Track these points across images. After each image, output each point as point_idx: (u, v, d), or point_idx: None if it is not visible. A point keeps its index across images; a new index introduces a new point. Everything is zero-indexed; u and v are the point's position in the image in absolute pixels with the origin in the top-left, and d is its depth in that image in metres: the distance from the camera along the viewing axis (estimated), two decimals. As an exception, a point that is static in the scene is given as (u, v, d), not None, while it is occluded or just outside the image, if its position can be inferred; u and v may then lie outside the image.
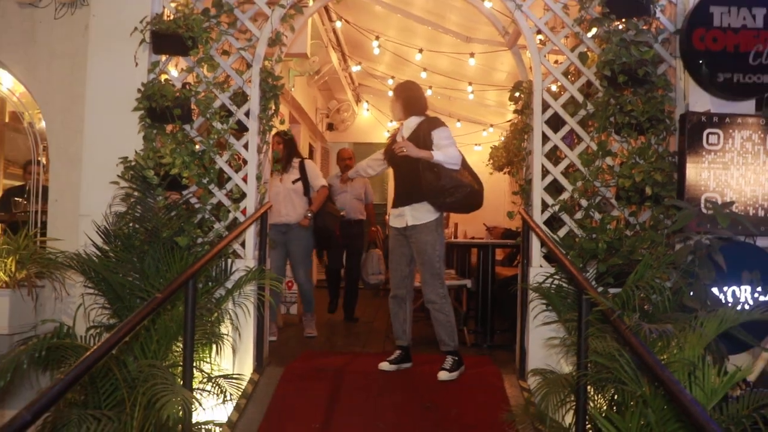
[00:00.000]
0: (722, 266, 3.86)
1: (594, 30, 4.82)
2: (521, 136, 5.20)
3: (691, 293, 3.89)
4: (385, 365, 4.97)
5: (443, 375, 4.79)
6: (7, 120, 7.56)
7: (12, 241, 5.12)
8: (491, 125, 11.52)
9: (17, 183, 7.03)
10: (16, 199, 6.29)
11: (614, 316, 2.91)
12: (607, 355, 3.12)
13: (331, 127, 12.00)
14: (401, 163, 4.90)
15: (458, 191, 4.75)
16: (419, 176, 4.75)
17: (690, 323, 3.17)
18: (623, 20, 4.73)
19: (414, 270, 5.08)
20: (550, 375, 4.05)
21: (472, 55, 7.81)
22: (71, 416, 3.34)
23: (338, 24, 8.08)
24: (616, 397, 3.42)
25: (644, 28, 4.72)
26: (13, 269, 5.05)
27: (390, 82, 10.11)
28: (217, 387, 4.12)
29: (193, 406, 3.56)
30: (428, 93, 9.83)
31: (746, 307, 4.32)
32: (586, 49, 4.83)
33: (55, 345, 3.34)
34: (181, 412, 3.17)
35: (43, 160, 5.63)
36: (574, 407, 3.69)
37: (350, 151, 7.69)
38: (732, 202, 4.09)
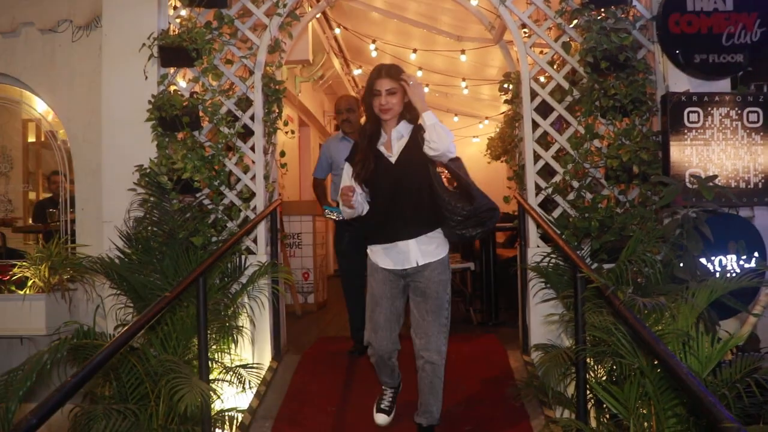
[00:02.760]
0: (709, 237, 3.65)
1: (576, 21, 4.62)
2: (513, 125, 5.00)
3: (681, 265, 3.70)
4: (381, 419, 3.63)
5: None
6: (43, 139, 7.49)
7: (45, 249, 5.03)
8: (486, 118, 11.31)
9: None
10: (49, 210, 6.20)
11: (608, 292, 2.73)
12: (604, 329, 2.94)
13: (338, 128, 11.79)
14: (395, 177, 3.27)
15: (490, 218, 3.25)
16: (433, 193, 3.24)
17: (682, 294, 2.98)
18: (602, 9, 4.53)
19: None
20: (552, 349, 3.88)
21: (463, 52, 7.60)
22: (97, 411, 3.21)
23: (337, 31, 7.89)
24: (614, 368, 3.24)
25: (622, 16, 4.52)
26: (47, 275, 4.96)
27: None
28: (237, 376, 3.99)
29: (211, 396, 3.42)
30: (426, 90, 9.65)
31: (733, 275, 4.14)
32: (568, 39, 4.63)
33: (76, 345, 3.19)
34: (198, 403, 3.00)
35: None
36: (575, 379, 3.52)
37: (351, 99, 5.22)
38: (715, 176, 3.88)
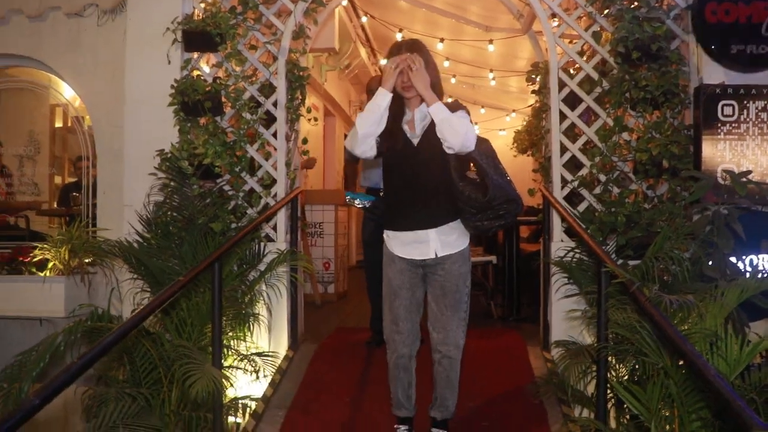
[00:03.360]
0: (741, 235, 3.52)
1: (607, 10, 4.48)
2: (540, 116, 4.88)
3: (710, 263, 3.57)
4: None
5: None
6: (69, 124, 7.53)
7: (65, 231, 5.04)
8: (514, 110, 11.14)
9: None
10: (73, 194, 6.23)
11: (634, 288, 2.62)
12: (628, 326, 2.83)
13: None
14: (417, 160, 3.07)
15: (507, 209, 3.02)
16: (451, 183, 3.02)
17: (711, 293, 2.86)
18: (635, -3, 4.39)
19: None
20: (573, 346, 3.76)
21: (491, 42, 7.46)
22: (109, 394, 3.19)
23: (364, 19, 7.80)
24: (636, 367, 3.13)
25: (656, 5, 4.38)
26: (66, 257, 4.97)
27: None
28: (251, 364, 3.94)
29: (223, 383, 3.37)
30: (452, 81, 9.52)
31: (765, 274, 3.99)
32: (599, 28, 4.50)
33: (90, 328, 3.17)
34: (210, 389, 2.96)
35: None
36: (595, 377, 3.41)
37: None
38: (749, 171, 3.74)
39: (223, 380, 3.36)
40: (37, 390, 1.86)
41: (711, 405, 2.41)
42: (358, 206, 3.82)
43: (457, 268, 3.11)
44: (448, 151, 2.95)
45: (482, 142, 3.08)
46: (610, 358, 3.21)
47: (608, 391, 3.15)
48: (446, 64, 8.57)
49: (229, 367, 3.89)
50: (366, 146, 3.01)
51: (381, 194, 3.77)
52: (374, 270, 4.60)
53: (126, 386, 3.42)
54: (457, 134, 2.88)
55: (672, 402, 2.63)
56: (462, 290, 3.12)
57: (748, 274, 3.69)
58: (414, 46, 3.05)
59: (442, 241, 3.09)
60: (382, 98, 2.94)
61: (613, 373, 3.32)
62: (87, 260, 4.94)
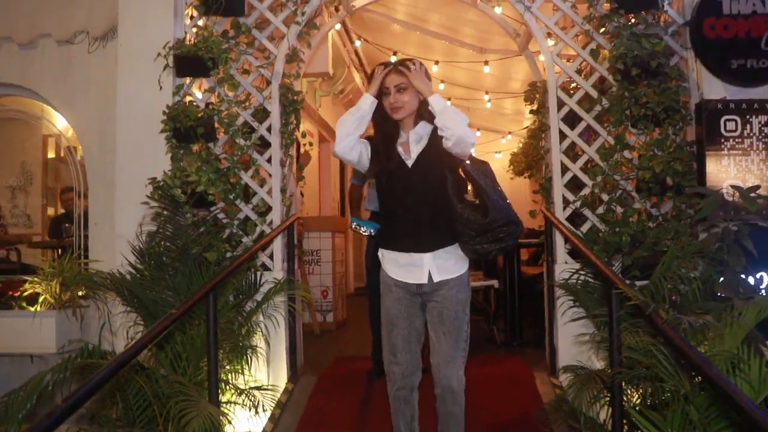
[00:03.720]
0: (753, 252, 3.41)
1: (604, 27, 4.41)
2: (539, 136, 4.79)
3: (721, 281, 3.45)
4: None
5: None
6: (62, 155, 7.44)
7: (56, 264, 4.90)
8: (509, 132, 11.09)
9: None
10: (66, 225, 6.10)
11: (650, 310, 2.49)
12: (642, 350, 2.70)
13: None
14: (410, 182, 2.94)
15: (508, 232, 2.86)
16: (449, 205, 2.88)
17: (727, 312, 2.74)
18: (632, 15, 4.32)
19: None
20: (582, 371, 3.63)
21: (486, 63, 7.41)
22: (101, 434, 3.04)
23: (357, 43, 7.74)
24: (648, 392, 3.00)
25: (653, 21, 4.31)
26: (58, 291, 4.82)
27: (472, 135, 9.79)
28: (250, 399, 3.78)
29: (222, 420, 3.22)
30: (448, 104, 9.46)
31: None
32: (596, 46, 4.43)
33: (81, 365, 3.02)
34: (206, 428, 2.81)
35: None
36: (607, 403, 3.28)
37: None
38: (757, 186, 3.64)
39: (221, 417, 3.20)
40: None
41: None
42: (364, 234, 3.69)
43: (455, 294, 2.93)
44: (447, 144, 2.80)
45: (481, 164, 2.99)
46: (622, 383, 3.08)
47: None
48: (441, 86, 8.53)
49: (227, 402, 3.74)
50: (345, 146, 2.91)
51: None
52: (377, 297, 4.48)
53: (119, 426, 3.27)
54: (458, 123, 2.76)
55: (693, 429, 2.50)
56: (461, 318, 2.93)
57: (763, 292, 3.58)
58: (400, 65, 2.96)
59: (438, 266, 2.93)
60: (364, 101, 2.90)
61: (625, 399, 3.19)
62: (79, 293, 4.79)
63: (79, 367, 3.20)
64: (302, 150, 5.02)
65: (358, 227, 3.67)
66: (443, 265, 2.93)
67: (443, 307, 2.92)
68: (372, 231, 3.38)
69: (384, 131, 2.98)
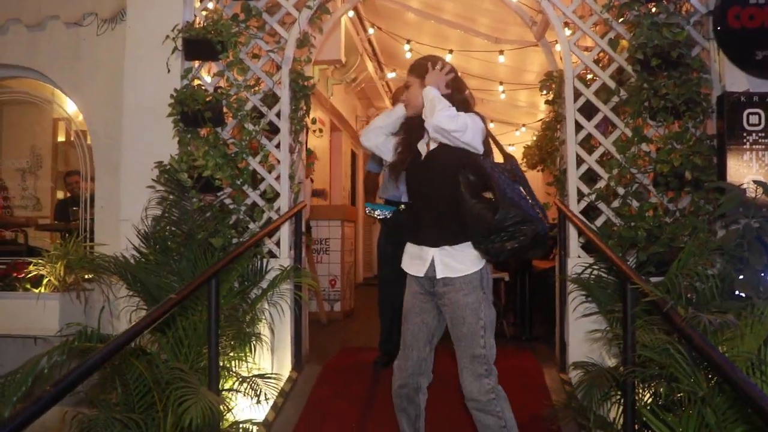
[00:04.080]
0: (775, 249, 3.28)
1: (624, 16, 4.28)
2: (554, 127, 4.66)
3: (740, 278, 3.33)
4: None
5: None
6: (72, 138, 7.40)
7: (61, 247, 4.85)
8: (523, 125, 10.94)
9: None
10: (73, 208, 6.05)
11: (667, 307, 2.38)
12: (657, 348, 2.59)
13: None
14: (424, 176, 2.92)
15: (522, 231, 2.65)
16: (461, 199, 2.75)
17: (748, 311, 2.62)
18: (653, 3, 4.18)
19: (435, 346, 3.01)
20: (593, 368, 3.52)
21: (501, 52, 7.26)
22: (98, 419, 2.97)
23: (371, 31, 7.62)
24: (662, 391, 2.89)
25: (674, 11, 4.17)
26: (62, 274, 4.76)
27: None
28: (253, 386, 3.71)
29: (222, 408, 3.15)
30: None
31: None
32: (615, 35, 4.30)
33: (80, 348, 2.95)
34: (203, 417, 2.73)
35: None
36: (618, 402, 3.17)
37: None
38: (782, 181, 3.51)
39: (220, 405, 3.13)
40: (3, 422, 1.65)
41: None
42: (378, 217, 3.63)
43: (462, 297, 2.78)
44: (427, 128, 2.79)
45: (508, 159, 2.90)
46: (635, 382, 2.97)
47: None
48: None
49: (229, 389, 3.66)
50: (372, 135, 3.09)
51: (399, 207, 3.58)
52: (386, 286, 4.44)
53: (117, 411, 3.20)
54: (432, 111, 2.71)
55: (709, 431, 2.40)
56: (471, 323, 2.77)
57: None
58: (414, 64, 3.03)
59: (444, 262, 2.82)
60: (400, 108, 3.05)
61: (637, 398, 3.08)
62: (85, 276, 4.73)
63: (80, 351, 3.14)
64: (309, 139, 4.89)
65: (371, 211, 3.65)
66: (448, 262, 2.82)
67: (452, 312, 2.82)
68: (388, 213, 3.36)
69: (409, 125, 3.02)
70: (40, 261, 4.76)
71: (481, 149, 2.80)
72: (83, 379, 1.90)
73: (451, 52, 7.68)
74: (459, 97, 2.90)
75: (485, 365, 2.77)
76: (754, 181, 3.46)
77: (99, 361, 2.00)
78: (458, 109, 2.76)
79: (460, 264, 2.80)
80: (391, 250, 4.22)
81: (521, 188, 2.80)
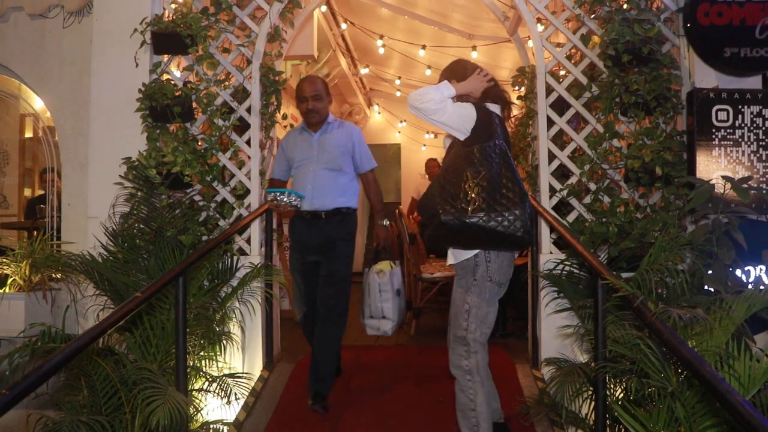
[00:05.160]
0: (743, 244, 3.31)
1: (595, 13, 4.29)
2: (526, 123, 4.66)
3: (709, 273, 3.35)
4: None
5: None
6: (41, 134, 7.26)
7: (27, 245, 4.74)
8: (496, 122, 10.96)
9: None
10: (40, 206, 5.93)
11: (638, 302, 2.39)
12: (627, 344, 2.60)
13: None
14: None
15: (432, 215, 2.94)
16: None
17: (717, 306, 2.64)
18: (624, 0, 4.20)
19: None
20: (565, 364, 3.52)
21: (474, 48, 7.25)
22: (63, 422, 2.89)
23: (344, 26, 7.56)
24: (633, 386, 2.89)
25: (645, 7, 4.19)
26: (27, 273, 4.65)
27: (398, 82, 9.60)
28: (223, 387, 3.65)
29: (191, 408, 3.09)
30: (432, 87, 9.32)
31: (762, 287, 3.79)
32: (587, 31, 4.31)
33: (43, 349, 2.88)
34: (170, 417, 2.67)
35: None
36: (590, 397, 3.18)
37: (318, 82, 4.05)
38: (750, 177, 3.53)
39: (190, 405, 3.07)
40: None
41: (727, 431, 2.18)
42: (293, 204, 3.88)
43: (456, 280, 3.09)
44: None
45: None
46: (606, 377, 2.98)
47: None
48: (428, 72, 8.38)
49: (199, 390, 3.60)
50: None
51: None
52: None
53: (84, 412, 3.12)
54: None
55: (678, 425, 2.40)
56: (458, 305, 3.03)
57: (750, 286, 3.49)
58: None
59: (451, 252, 3.12)
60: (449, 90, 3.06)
61: (608, 393, 3.09)
62: (53, 275, 4.62)
63: (45, 352, 3.06)
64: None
65: (277, 197, 3.83)
66: (452, 252, 3.11)
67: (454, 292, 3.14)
68: (298, 200, 3.78)
69: None
70: (4, 260, 4.65)
71: (462, 135, 2.96)
72: (42, 382, 1.84)
73: (424, 47, 7.66)
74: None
75: (465, 347, 2.99)
76: (723, 177, 3.47)
77: (59, 363, 1.94)
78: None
79: (456, 252, 3.07)
80: (302, 279, 4.06)
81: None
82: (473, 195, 2.82)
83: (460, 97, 3.05)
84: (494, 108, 3.10)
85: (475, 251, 2.99)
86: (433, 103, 2.89)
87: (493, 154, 2.89)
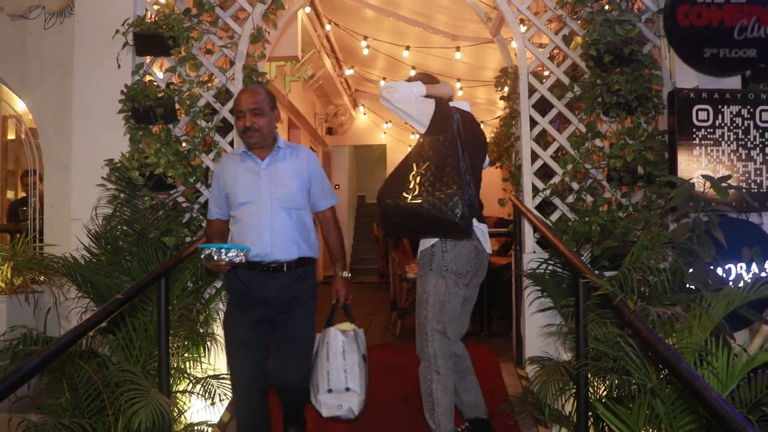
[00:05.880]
0: (722, 242, 3.35)
1: (577, 13, 4.32)
2: (510, 123, 4.69)
3: (690, 271, 3.38)
4: None
5: None
6: (23, 137, 7.20)
7: (9, 248, 4.70)
8: (482, 122, 10.96)
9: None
10: (22, 208, 5.89)
11: (617, 300, 2.41)
12: (608, 342, 2.62)
13: (330, 131, 11.50)
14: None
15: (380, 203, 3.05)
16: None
17: (696, 304, 2.66)
18: (606, 0, 4.24)
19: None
20: (548, 363, 3.56)
21: (458, 48, 7.28)
22: (46, 425, 2.88)
23: (328, 27, 7.57)
24: (614, 384, 2.92)
25: (627, 8, 4.23)
26: (9, 276, 4.61)
27: (383, 83, 9.62)
28: (206, 388, 3.64)
29: (175, 410, 3.08)
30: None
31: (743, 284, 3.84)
32: (569, 32, 4.34)
33: (23, 353, 2.86)
34: (153, 420, 2.67)
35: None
36: (573, 395, 3.20)
37: (260, 94, 3.17)
38: (729, 176, 3.56)
39: (173, 407, 3.06)
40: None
41: (705, 426, 2.20)
42: (235, 261, 2.87)
43: (419, 270, 3.16)
44: None
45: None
46: (588, 375, 3.00)
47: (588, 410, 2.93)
48: (413, 73, 8.37)
49: (183, 391, 3.59)
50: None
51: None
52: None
53: (66, 415, 3.10)
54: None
55: (659, 422, 2.43)
56: (419, 293, 3.12)
57: (731, 284, 3.52)
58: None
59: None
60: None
61: (591, 391, 3.11)
62: (35, 278, 4.59)
63: (26, 354, 3.04)
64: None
65: (215, 255, 2.85)
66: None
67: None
68: (242, 255, 2.85)
69: None
70: (-15, 263, 4.61)
71: (422, 127, 3.06)
72: (21, 384, 1.83)
73: (408, 48, 7.67)
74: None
75: (424, 334, 3.05)
76: (703, 176, 3.51)
77: (39, 365, 1.92)
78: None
79: (420, 243, 3.17)
80: (246, 334, 3.07)
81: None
82: (414, 184, 2.93)
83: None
84: (463, 106, 3.24)
85: (433, 241, 3.07)
86: (402, 94, 3.03)
87: (442, 147, 2.97)
